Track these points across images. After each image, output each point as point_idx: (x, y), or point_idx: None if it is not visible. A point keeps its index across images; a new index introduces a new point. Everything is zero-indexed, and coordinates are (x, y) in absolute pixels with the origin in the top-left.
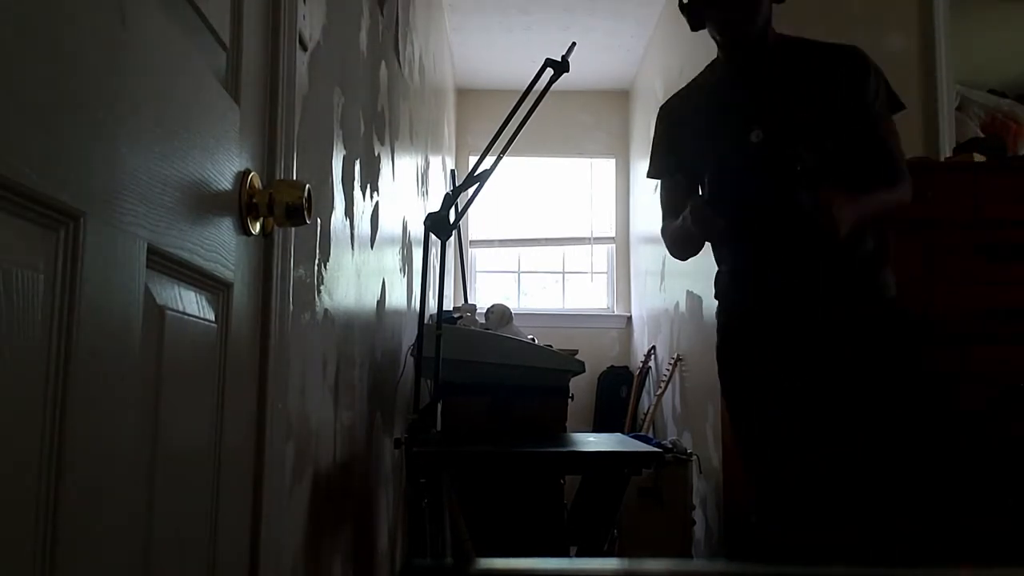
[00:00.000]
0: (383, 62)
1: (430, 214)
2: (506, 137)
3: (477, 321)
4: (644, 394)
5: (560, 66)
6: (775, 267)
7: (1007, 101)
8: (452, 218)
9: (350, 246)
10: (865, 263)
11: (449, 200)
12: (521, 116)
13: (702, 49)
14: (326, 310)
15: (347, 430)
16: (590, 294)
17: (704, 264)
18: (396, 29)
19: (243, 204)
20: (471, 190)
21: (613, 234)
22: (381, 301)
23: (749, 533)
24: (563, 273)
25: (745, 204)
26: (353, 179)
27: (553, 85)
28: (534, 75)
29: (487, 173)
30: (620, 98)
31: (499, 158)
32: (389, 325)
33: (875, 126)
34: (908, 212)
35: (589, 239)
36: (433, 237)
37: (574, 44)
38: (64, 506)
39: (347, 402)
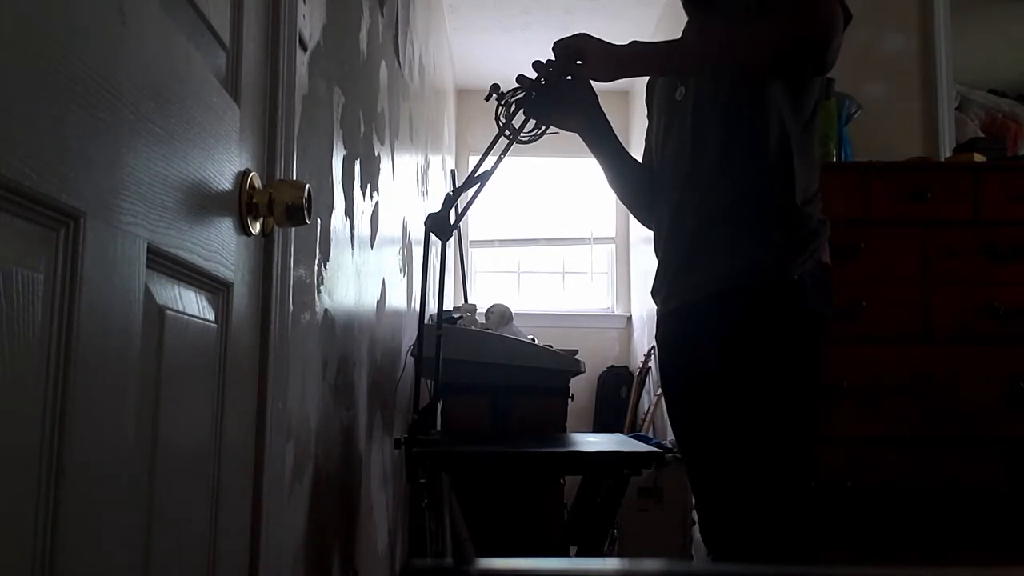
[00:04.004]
0: (383, 62)
1: (431, 214)
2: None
3: (477, 321)
4: (644, 394)
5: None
6: None
7: (1007, 101)
8: (453, 218)
9: (350, 246)
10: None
11: (450, 200)
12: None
13: None
14: (326, 310)
15: (347, 430)
16: (590, 294)
17: None
18: (396, 29)
19: (243, 204)
20: (472, 190)
21: (613, 234)
22: (381, 301)
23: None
24: (563, 273)
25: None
26: (353, 179)
27: None
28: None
29: (488, 173)
30: (620, 98)
31: (500, 158)
32: (389, 325)
33: None
34: (908, 212)
35: (589, 239)
36: (433, 237)
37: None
38: (64, 506)
39: (347, 402)
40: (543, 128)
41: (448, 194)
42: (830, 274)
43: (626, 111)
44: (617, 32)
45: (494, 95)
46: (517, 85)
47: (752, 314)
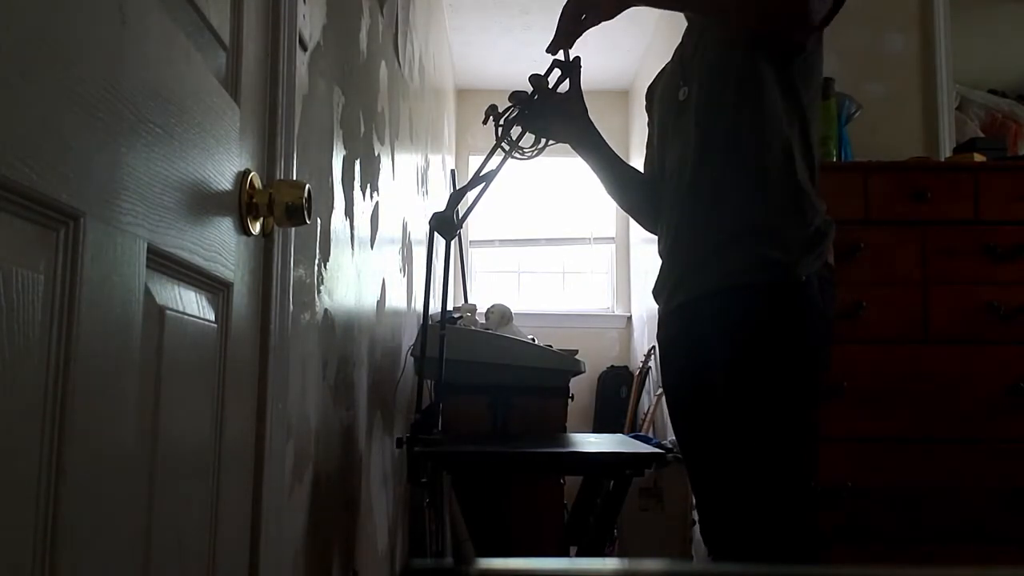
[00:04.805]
0: (383, 62)
1: (435, 214)
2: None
3: (477, 321)
4: (644, 394)
5: (568, 67)
6: None
7: (1007, 101)
8: (457, 218)
9: (350, 246)
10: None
11: (454, 200)
12: None
13: None
14: (326, 310)
15: (347, 430)
16: (590, 294)
17: None
18: (396, 29)
19: (243, 204)
20: (474, 192)
21: (613, 234)
22: (381, 301)
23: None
24: (563, 273)
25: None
26: (353, 179)
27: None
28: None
29: (493, 174)
30: (620, 98)
31: (504, 159)
32: (389, 325)
33: None
34: (908, 212)
35: (589, 239)
36: (437, 236)
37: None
38: (64, 506)
39: (347, 402)
40: (542, 143)
41: (452, 193)
42: (834, 276)
43: (626, 111)
44: (617, 30)
45: (491, 117)
46: (510, 104)
47: (760, 313)
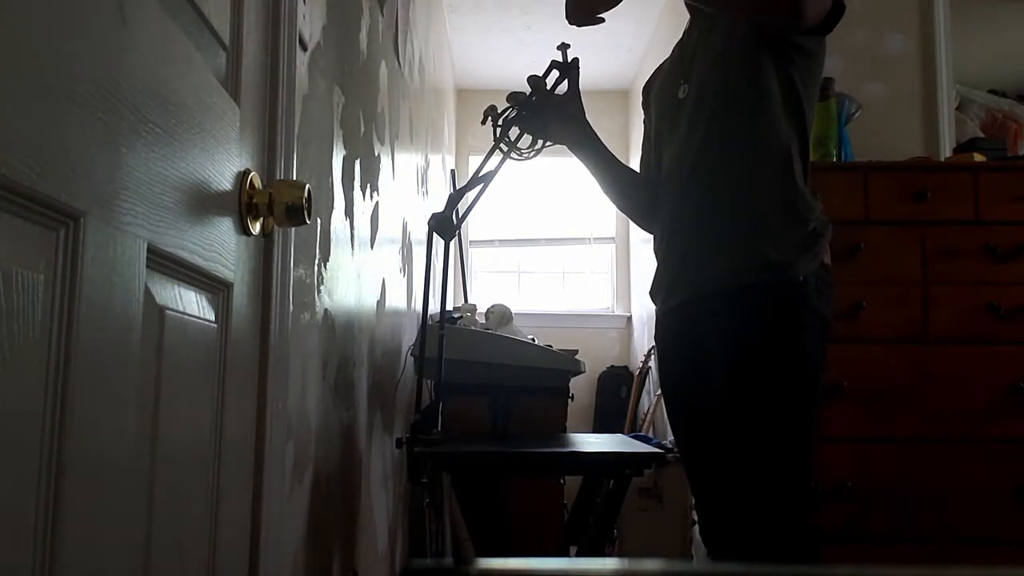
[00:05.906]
0: (383, 62)
1: (435, 214)
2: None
3: (477, 321)
4: (644, 394)
5: (567, 67)
6: None
7: (1007, 101)
8: (456, 218)
9: (350, 246)
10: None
11: (453, 200)
12: None
13: None
14: (326, 310)
15: (347, 430)
16: (590, 294)
17: None
18: (396, 29)
19: (243, 204)
20: (473, 193)
21: (613, 234)
22: (381, 301)
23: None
24: (563, 273)
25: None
26: (353, 179)
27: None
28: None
29: (491, 174)
30: (620, 98)
31: (503, 160)
32: (389, 325)
33: None
34: (908, 212)
35: (589, 239)
36: (436, 236)
37: (566, 45)
38: (64, 506)
39: (347, 402)
40: (539, 144)
41: (451, 194)
42: (831, 276)
43: (626, 111)
44: (618, 30)
45: (489, 118)
46: (508, 104)
47: (759, 313)
